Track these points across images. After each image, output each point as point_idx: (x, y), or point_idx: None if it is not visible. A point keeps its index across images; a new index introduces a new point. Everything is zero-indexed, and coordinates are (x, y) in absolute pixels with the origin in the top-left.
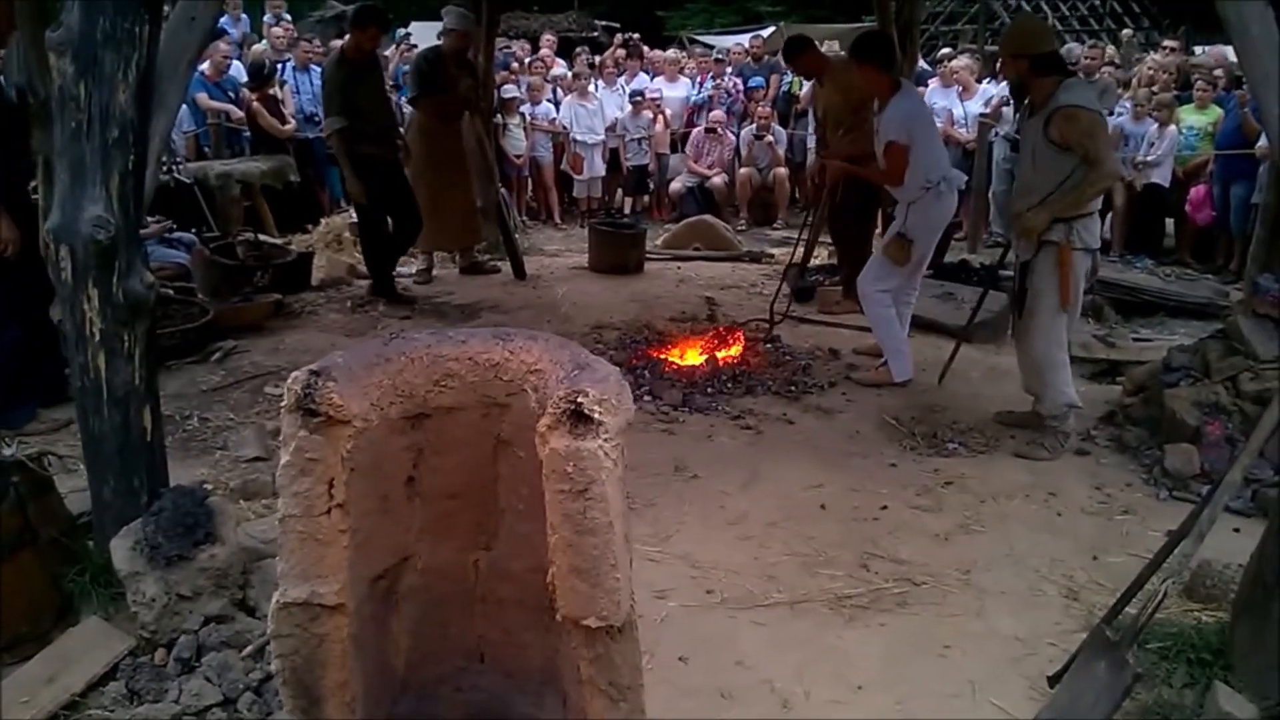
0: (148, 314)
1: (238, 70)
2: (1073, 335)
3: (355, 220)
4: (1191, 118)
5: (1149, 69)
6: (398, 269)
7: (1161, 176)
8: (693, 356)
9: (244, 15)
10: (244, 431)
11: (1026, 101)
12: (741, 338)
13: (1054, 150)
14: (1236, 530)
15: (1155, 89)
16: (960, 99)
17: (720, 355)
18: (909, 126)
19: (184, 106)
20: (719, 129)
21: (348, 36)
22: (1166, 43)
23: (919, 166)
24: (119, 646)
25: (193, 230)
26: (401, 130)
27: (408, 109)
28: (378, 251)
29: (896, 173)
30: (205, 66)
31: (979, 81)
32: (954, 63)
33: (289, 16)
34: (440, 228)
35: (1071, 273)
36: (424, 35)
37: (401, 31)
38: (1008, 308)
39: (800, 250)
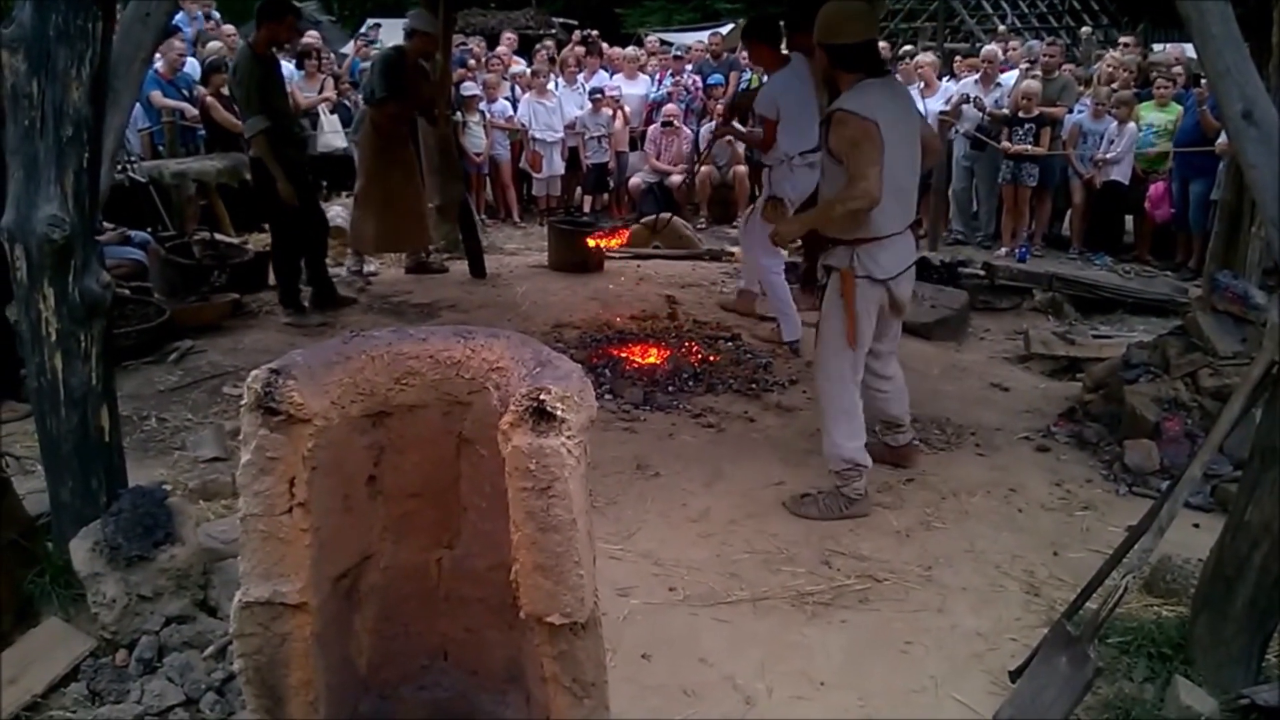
0: (104, 314)
1: (192, 68)
2: (860, 380)
3: (272, 228)
4: (1151, 115)
5: (1108, 66)
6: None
7: (1121, 174)
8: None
9: (200, 13)
10: (202, 431)
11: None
12: None
13: (831, 160)
14: (1196, 525)
15: (1115, 86)
16: (922, 95)
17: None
18: (778, 103)
19: (138, 104)
20: (675, 122)
21: (259, 30)
22: (1125, 40)
23: (782, 139)
24: (80, 648)
25: (148, 230)
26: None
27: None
28: (295, 260)
29: (767, 142)
30: (159, 64)
31: (939, 79)
32: (918, 59)
33: (218, 15)
34: (393, 229)
35: (855, 304)
36: (393, 32)
37: (371, 23)
38: (966, 305)
39: None
